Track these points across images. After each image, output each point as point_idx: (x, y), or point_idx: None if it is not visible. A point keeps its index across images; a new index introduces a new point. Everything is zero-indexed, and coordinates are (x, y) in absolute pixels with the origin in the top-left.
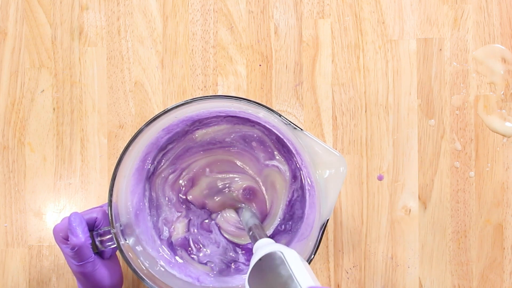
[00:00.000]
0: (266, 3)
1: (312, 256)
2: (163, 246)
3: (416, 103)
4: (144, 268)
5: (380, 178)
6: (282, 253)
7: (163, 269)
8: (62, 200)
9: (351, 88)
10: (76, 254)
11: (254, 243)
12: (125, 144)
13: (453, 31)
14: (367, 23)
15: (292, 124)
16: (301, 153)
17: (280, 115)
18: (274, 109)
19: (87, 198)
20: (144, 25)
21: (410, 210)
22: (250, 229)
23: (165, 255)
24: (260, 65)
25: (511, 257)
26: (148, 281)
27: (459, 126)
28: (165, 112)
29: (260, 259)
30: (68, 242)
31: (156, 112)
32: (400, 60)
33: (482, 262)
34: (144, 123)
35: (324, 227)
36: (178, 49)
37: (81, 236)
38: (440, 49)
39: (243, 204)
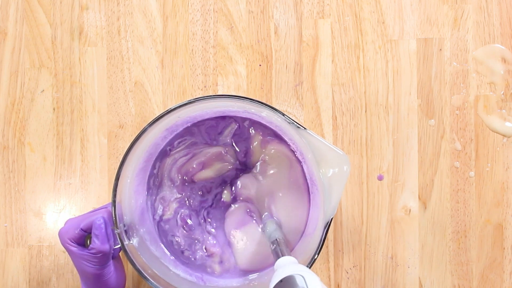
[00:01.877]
0: (266, 3)
1: (316, 255)
2: (155, 226)
3: (416, 103)
4: (148, 268)
5: (380, 178)
6: (304, 278)
7: (167, 269)
8: (62, 200)
9: (351, 88)
10: (98, 259)
11: (275, 259)
12: (128, 145)
13: (453, 31)
14: (367, 23)
15: (295, 123)
16: (304, 153)
17: (283, 114)
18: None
19: (87, 198)
20: (144, 25)
21: (410, 210)
22: (273, 243)
23: (169, 255)
24: (260, 65)
25: (511, 257)
26: (152, 281)
27: (459, 126)
28: (168, 112)
29: (281, 281)
30: (91, 246)
31: (156, 112)
32: (400, 60)
33: (482, 262)
34: (147, 123)
35: (328, 226)
36: (178, 49)
37: (108, 243)
38: (440, 49)
39: (268, 215)
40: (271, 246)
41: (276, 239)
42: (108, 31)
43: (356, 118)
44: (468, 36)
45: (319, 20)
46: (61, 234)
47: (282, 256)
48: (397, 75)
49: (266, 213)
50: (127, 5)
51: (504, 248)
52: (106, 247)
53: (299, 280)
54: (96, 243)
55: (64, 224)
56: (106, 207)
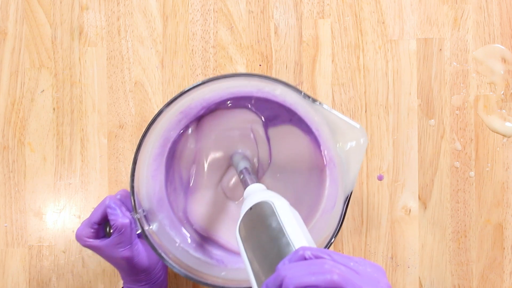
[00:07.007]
0: (266, 3)
1: (338, 230)
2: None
3: (416, 103)
4: (169, 252)
5: (380, 178)
6: (272, 203)
7: (187, 253)
8: (62, 200)
9: (351, 88)
10: (123, 237)
11: (244, 188)
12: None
13: (453, 31)
14: (367, 23)
15: (311, 98)
16: (320, 130)
17: (298, 90)
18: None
19: (87, 198)
20: (144, 25)
21: (410, 210)
22: (241, 173)
23: (188, 239)
24: (260, 65)
25: (511, 257)
26: (174, 265)
27: (459, 126)
28: (182, 93)
29: (250, 208)
30: (112, 224)
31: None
32: (400, 60)
33: (482, 262)
34: (163, 104)
35: (348, 200)
36: (178, 49)
37: (126, 215)
38: (440, 49)
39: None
40: (240, 176)
41: (244, 169)
42: (108, 31)
43: (356, 118)
44: (468, 36)
45: (319, 20)
46: (78, 236)
47: (251, 183)
48: (397, 75)
49: (235, 148)
50: (127, 5)
51: (504, 248)
52: (125, 220)
53: (268, 206)
54: (115, 220)
55: (81, 225)
56: (120, 194)
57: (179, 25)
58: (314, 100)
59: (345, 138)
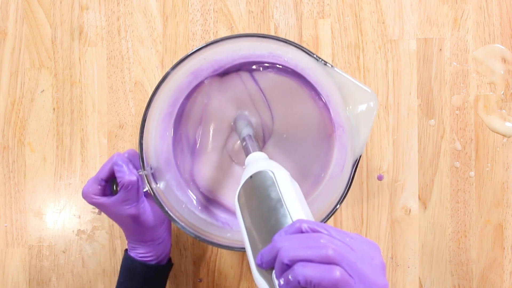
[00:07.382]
0: (266, 3)
1: (345, 194)
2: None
3: (416, 103)
4: (176, 211)
5: (380, 178)
6: (273, 173)
7: (193, 214)
8: (62, 200)
9: None
10: (130, 194)
11: (246, 155)
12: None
13: (453, 31)
14: (367, 23)
15: (323, 61)
16: (330, 94)
17: (311, 52)
18: None
19: None
20: (144, 25)
21: (410, 210)
22: (243, 140)
23: (194, 201)
24: None
25: (511, 257)
26: (180, 222)
27: (459, 126)
28: (193, 52)
29: (251, 177)
30: (119, 181)
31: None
32: (400, 60)
33: (482, 262)
34: (171, 66)
35: (356, 164)
36: (178, 49)
37: (134, 173)
38: (440, 49)
39: (240, 111)
40: (242, 143)
41: (246, 136)
42: (108, 31)
43: None
44: (468, 36)
45: (319, 20)
46: (84, 193)
47: (253, 151)
48: (397, 75)
49: (239, 111)
50: (127, 5)
51: (504, 248)
52: (133, 177)
53: (268, 176)
54: (122, 177)
55: (87, 183)
56: (127, 153)
57: (179, 25)
58: (325, 63)
59: (356, 102)
